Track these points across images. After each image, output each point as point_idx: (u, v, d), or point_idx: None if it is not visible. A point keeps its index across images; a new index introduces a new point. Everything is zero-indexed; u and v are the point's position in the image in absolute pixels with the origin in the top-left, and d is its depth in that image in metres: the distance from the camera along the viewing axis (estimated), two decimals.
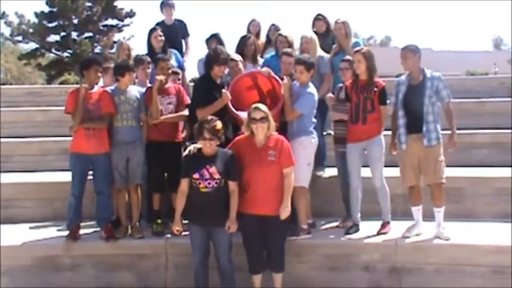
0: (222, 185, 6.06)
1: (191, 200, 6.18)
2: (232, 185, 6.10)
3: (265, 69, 7.28)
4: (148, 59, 7.87)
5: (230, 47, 8.62)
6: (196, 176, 6.02)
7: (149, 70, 7.85)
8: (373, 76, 6.99)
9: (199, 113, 6.83)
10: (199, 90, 7.11)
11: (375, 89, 6.94)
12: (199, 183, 6.02)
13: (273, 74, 7.08)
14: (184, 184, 6.14)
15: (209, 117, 6.13)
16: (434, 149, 6.70)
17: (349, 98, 7.11)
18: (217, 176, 6.01)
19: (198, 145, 6.13)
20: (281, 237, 6.31)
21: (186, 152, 6.27)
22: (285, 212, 6.09)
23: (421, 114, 6.70)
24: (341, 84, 7.56)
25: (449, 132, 6.83)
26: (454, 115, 6.83)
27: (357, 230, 7.07)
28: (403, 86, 6.90)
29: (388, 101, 7.08)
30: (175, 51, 9.27)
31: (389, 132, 7.15)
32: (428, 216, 6.93)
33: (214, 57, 7.09)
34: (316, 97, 7.01)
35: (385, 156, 7.05)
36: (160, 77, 7.19)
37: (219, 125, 6.04)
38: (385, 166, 7.10)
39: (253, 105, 6.19)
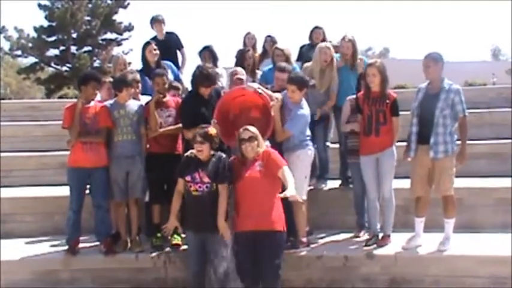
0: (213, 190, 6.10)
1: (185, 203, 6.28)
2: (220, 188, 6.10)
3: (252, 84, 7.07)
4: (137, 78, 7.65)
5: (224, 58, 8.64)
6: (188, 178, 6.12)
7: (138, 90, 7.69)
8: (386, 88, 6.97)
9: (186, 133, 6.92)
10: (186, 109, 7.08)
11: (387, 101, 6.92)
12: (191, 186, 6.11)
13: (261, 89, 6.86)
14: (180, 184, 6.24)
15: (203, 125, 6.24)
16: (443, 161, 6.66)
17: (361, 110, 7.09)
18: (206, 179, 6.07)
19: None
20: (276, 254, 5.96)
21: (187, 153, 6.35)
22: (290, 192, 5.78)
23: (431, 125, 6.67)
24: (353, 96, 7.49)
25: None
26: (467, 130, 6.79)
27: (376, 241, 7.02)
28: (420, 93, 6.87)
29: (407, 112, 7.06)
30: (169, 63, 9.26)
31: (401, 143, 7.12)
32: (428, 227, 6.93)
33: (199, 79, 7.05)
34: (309, 115, 6.98)
35: None
36: (159, 95, 7.24)
37: (212, 130, 6.14)
38: None
39: (242, 128, 6.15)
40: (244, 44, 10.08)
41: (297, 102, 6.88)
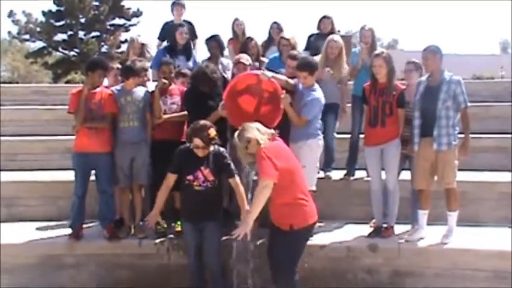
0: (216, 185, 6.16)
1: (184, 198, 6.34)
2: (233, 182, 6.14)
3: (264, 73, 6.88)
4: (145, 66, 7.72)
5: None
6: (190, 177, 6.11)
7: (146, 77, 7.80)
8: (393, 79, 6.97)
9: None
10: (191, 105, 7.09)
11: (394, 92, 6.92)
12: (194, 181, 6.11)
13: (271, 76, 6.76)
14: (171, 180, 6.22)
15: (202, 123, 6.06)
16: (446, 154, 6.66)
17: (367, 101, 7.10)
18: (211, 177, 6.10)
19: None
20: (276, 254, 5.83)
21: (181, 147, 6.27)
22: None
23: (433, 117, 6.66)
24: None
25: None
26: (469, 121, 6.78)
27: (379, 233, 7.05)
28: (421, 86, 6.86)
29: None
30: (195, 54, 9.32)
31: None
32: (431, 220, 6.94)
33: (201, 80, 7.06)
34: (323, 100, 6.98)
35: None
36: (164, 81, 7.27)
37: (212, 133, 6.02)
38: None
39: (237, 132, 5.79)
40: (234, 31, 10.04)
41: (309, 86, 6.90)
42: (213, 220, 6.17)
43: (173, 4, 10.07)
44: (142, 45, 8.93)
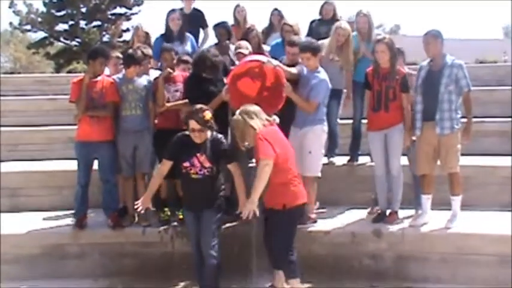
0: (214, 172, 6.00)
1: (183, 186, 6.27)
2: (232, 168, 6.02)
3: (270, 61, 6.82)
4: (148, 53, 7.72)
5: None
6: (186, 164, 5.94)
7: (150, 65, 7.79)
8: (395, 64, 6.93)
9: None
10: (193, 91, 7.00)
11: (397, 77, 6.89)
12: (190, 169, 5.95)
13: (276, 64, 6.71)
14: (165, 167, 6.06)
15: (197, 106, 5.96)
16: (448, 138, 6.65)
17: (370, 86, 7.07)
18: (207, 164, 5.92)
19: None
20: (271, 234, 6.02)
21: (178, 135, 6.14)
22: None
23: (436, 101, 6.64)
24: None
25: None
26: (471, 105, 6.76)
27: (383, 218, 7.05)
28: (423, 71, 6.84)
29: None
30: (191, 36, 9.26)
31: None
32: (435, 205, 6.93)
33: (203, 65, 7.02)
34: (327, 80, 6.94)
35: None
36: (168, 70, 7.24)
37: (208, 115, 5.88)
38: None
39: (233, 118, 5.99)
40: (235, 18, 9.98)
41: (313, 69, 6.88)
42: (210, 206, 6.01)
43: None
44: (147, 33, 8.89)
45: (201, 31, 10.01)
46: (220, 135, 6.09)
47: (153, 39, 8.92)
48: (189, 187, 6.12)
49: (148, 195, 6.16)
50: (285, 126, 6.59)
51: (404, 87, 6.89)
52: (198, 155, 5.92)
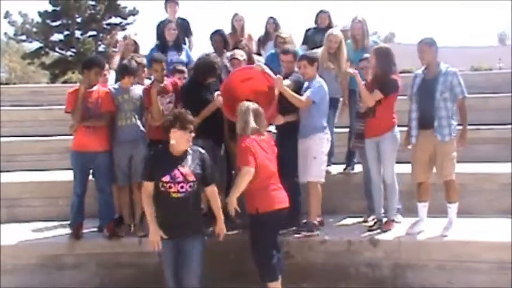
0: (195, 189, 5.39)
1: (159, 208, 5.44)
2: (211, 191, 5.60)
3: (258, 64, 7.11)
4: (142, 62, 7.72)
5: None
6: (166, 178, 5.30)
7: (144, 74, 7.75)
8: (388, 72, 6.89)
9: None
10: (188, 97, 7.03)
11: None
12: (170, 187, 5.30)
13: (267, 70, 6.81)
14: (148, 188, 5.45)
15: (182, 111, 5.60)
16: (444, 146, 6.65)
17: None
18: (191, 178, 5.34)
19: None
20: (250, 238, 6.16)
21: (152, 152, 5.88)
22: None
23: (432, 109, 6.65)
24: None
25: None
26: (467, 112, 6.76)
27: (380, 226, 7.05)
28: (418, 79, 6.87)
29: (406, 97, 7.16)
30: (186, 47, 9.29)
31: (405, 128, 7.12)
32: (432, 213, 6.93)
33: (208, 70, 7.04)
34: (327, 88, 6.99)
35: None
36: (160, 84, 7.20)
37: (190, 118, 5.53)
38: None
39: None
40: (233, 27, 10.01)
41: (311, 78, 6.95)
42: (194, 234, 5.45)
43: (167, 1, 10.03)
44: (135, 42, 8.87)
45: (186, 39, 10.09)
46: (202, 150, 5.63)
47: (143, 49, 8.93)
48: (167, 209, 5.41)
49: (153, 226, 5.43)
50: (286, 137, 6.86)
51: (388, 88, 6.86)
52: (179, 166, 5.37)
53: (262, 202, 5.94)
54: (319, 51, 7.83)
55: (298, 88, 6.92)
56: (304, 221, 7.03)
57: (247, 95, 6.73)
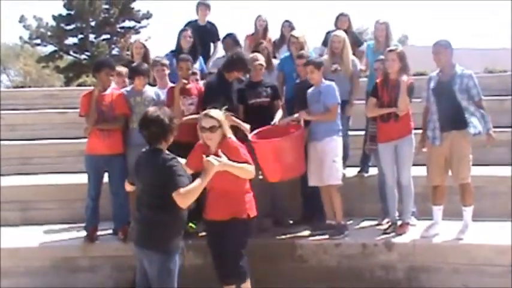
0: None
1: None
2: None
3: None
4: (163, 61, 7.83)
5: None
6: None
7: (166, 72, 7.80)
8: (404, 75, 6.89)
9: None
10: (211, 93, 7.00)
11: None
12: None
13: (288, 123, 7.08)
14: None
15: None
16: (460, 149, 6.61)
17: (378, 96, 7.06)
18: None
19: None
20: (235, 243, 5.63)
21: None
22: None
23: (448, 112, 6.62)
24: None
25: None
26: (486, 111, 6.75)
27: (395, 229, 7.03)
28: (433, 82, 6.84)
29: (419, 99, 7.16)
30: (201, 57, 9.31)
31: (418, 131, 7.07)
32: (447, 215, 6.90)
33: (239, 64, 7.08)
34: (335, 87, 7.02)
35: None
36: (184, 81, 7.20)
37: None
38: None
39: (203, 112, 5.57)
40: (256, 28, 10.04)
41: (318, 83, 6.99)
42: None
43: (198, 4, 10.03)
44: (144, 45, 8.88)
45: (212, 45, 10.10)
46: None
47: (152, 53, 8.94)
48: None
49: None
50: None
51: (410, 95, 6.86)
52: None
53: (252, 207, 5.66)
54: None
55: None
56: (331, 222, 7.01)
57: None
